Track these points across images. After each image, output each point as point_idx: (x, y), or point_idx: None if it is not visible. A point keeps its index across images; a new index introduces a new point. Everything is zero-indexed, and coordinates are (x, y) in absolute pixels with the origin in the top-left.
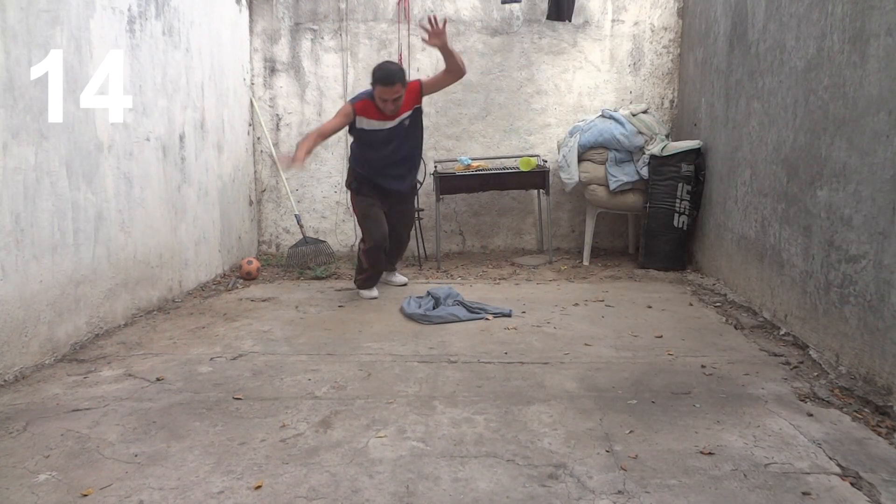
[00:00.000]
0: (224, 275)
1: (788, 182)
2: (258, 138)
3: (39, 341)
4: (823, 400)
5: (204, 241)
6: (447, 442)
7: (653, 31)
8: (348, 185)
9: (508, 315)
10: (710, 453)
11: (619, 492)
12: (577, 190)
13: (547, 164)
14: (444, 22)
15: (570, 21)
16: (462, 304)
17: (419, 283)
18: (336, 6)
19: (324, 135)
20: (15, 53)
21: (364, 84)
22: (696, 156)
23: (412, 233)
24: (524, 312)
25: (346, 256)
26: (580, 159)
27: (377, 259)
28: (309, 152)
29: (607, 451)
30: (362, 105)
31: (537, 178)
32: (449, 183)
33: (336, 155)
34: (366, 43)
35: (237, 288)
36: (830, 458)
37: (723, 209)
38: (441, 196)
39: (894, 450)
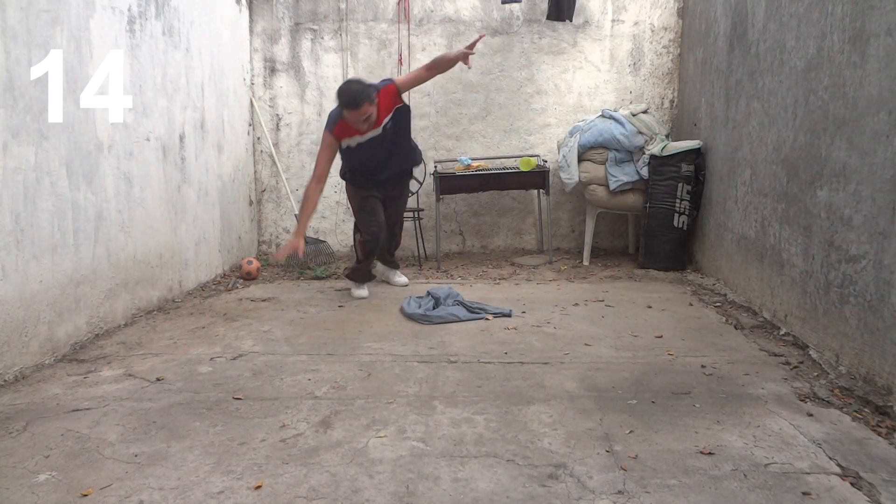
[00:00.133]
0: (224, 275)
1: (788, 182)
2: (258, 138)
3: (39, 341)
4: (823, 400)
5: (204, 241)
6: (447, 442)
7: (653, 31)
8: (342, 175)
9: (508, 315)
10: (710, 453)
11: (619, 492)
12: (577, 190)
13: (547, 164)
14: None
15: (570, 21)
16: (462, 304)
17: (419, 283)
18: (336, 6)
19: (320, 184)
20: (15, 53)
21: None
22: (696, 156)
23: (415, 233)
24: (524, 312)
25: (346, 256)
26: (580, 159)
27: (372, 251)
28: (305, 228)
29: (607, 451)
30: (340, 128)
31: (537, 178)
32: (449, 183)
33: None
34: (366, 43)
35: (237, 288)
36: (830, 458)
37: (723, 209)
38: (441, 196)
39: (894, 450)
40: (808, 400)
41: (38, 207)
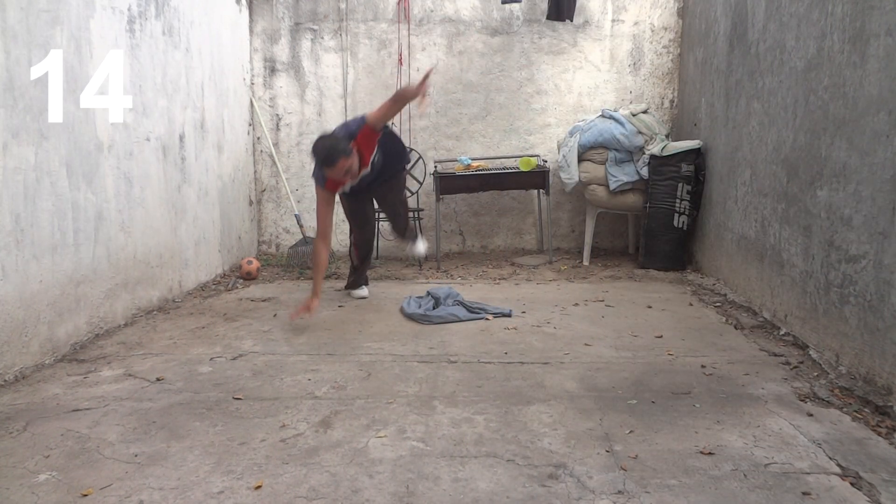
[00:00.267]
0: (224, 275)
1: (788, 182)
2: (258, 138)
3: (39, 341)
4: (823, 400)
5: (204, 241)
6: (447, 442)
7: (653, 31)
8: None
9: (508, 315)
10: (710, 453)
11: (619, 492)
12: (577, 190)
13: (547, 164)
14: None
15: (570, 21)
16: (462, 304)
17: (419, 283)
18: (336, 6)
19: (326, 240)
20: (15, 53)
21: (364, 84)
22: (696, 156)
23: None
24: (524, 312)
25: (345, 256)
26: (580, 159)
27: (367, 254)
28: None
29: (607, 451)
30: (332, 182)
31: (537, 178)
32: (449, 183)
33: None
34: (366, 43)
35: (237, 288)
36: (830, 458)
37: (723, 209)
38: (441, 196)
39: (894, 450)
40: (808, 400)
41: (38, 207)
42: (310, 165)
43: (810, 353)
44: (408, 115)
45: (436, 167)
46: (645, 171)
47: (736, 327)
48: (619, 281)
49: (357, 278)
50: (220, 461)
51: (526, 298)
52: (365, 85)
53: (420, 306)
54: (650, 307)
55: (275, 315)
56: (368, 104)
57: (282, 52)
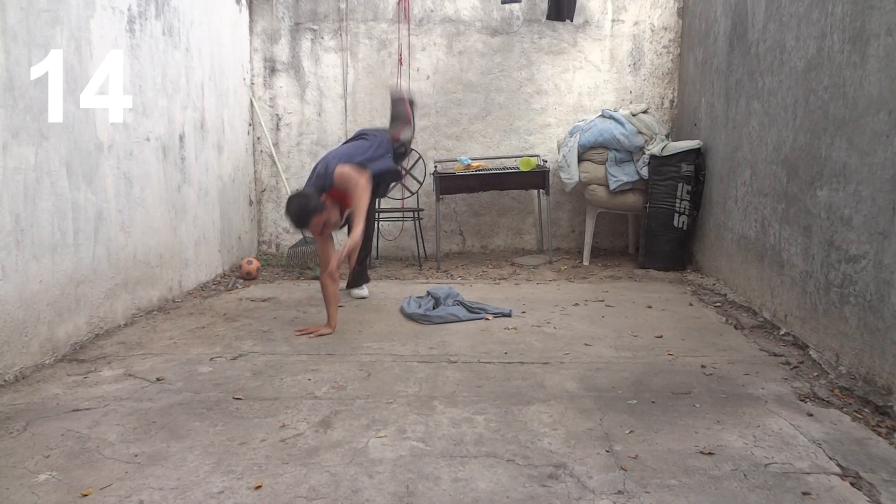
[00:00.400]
0: (224, 275)
1: (788, 182)
2: (258, 138)
3: (39, 341)
4: (823, 400)
5: (204, 241)
6: (447, 442)
7: (653, 31)
8: None
9: (508, 315)
10: (710, 453)
11: (619, 492)
12: (577, 190)
13: (547, 164)
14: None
15: (570, 21)
16: (462, 304)
17: (419, 283)
18: (336, 6)
19: (333, 275)
20: (15, 53)
21: (364, 84)
22: (696, 156)
23: (415, 233)
24: (524, 312)
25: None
26: (580, 159)
27: (367, 253)
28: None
29: (607, 451)
30: (316, 229)
31: (537, 178)
32: (449, 183)
33: None
34: (366, 43)
35: (237, 288)
36: (830, 458)
37: (723, 209)
38: (441, 196)
39: (894, 450)
40: (808, 400)
41: (38, 207)
42: (310, 165)
43: (810, 353)
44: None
45: (436, 167)
46: (645, 171)
47: (736, 327)
48: (619, 281)
49: (357, 278)
50: (220, 461)
51: (526, 298)
52: (365, 85)
53: (420, 306)
54: (650, 307)
55: (275, 317)
56: (368, 104)
57: (282, 52)
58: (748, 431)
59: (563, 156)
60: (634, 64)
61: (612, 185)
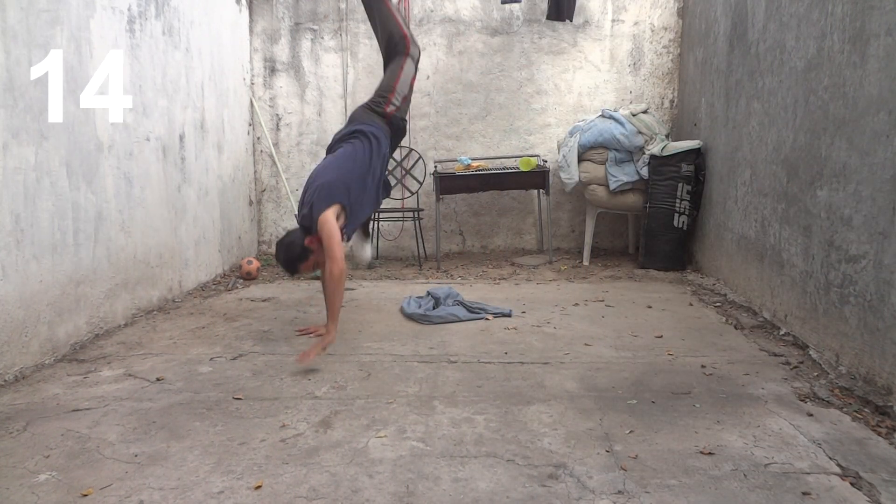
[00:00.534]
0: (224, 275)
1: (788, 182)
2: (258, 138)
3: (39, 341)
4: (823, 400)
5: (204, 241)
6: (447, 442)
7: (653, 31)
8: None
9: (508, 315)
10: (710, 453)
11: (619, 492)
12: (577, 190)
13: (547, 164)
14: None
15: (570, 21)
16: (462, 304)
17: (419, 283)
18: (336, 6)
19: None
20: (15, 53)
21: (364, 84)
22: (696, 156)
23: (415, 233)
24: (524, 312)
25: (346, 256)
26: (580, 159)
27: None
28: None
29: (607, 451)
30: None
31: (537, 178)
32: (449, 183)
33: None
34: (366, 43)
35: (237, 288)
36: (830, 458)
37: (723, 209)
38: (441, 196)
39: (894, 450)
40: (808, 400)
41: (38, 207)
42: (310, 165)
43: (810, 353)
44: (408, 114)
45: (436, 167)
46: (645, 171)
47: (736, 327)
48: (619, 281)
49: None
50: (220, 461)
51: (526, 298)
52: (365, 85)
53: (420, 306)
54: (650, 307)
55: (275, 317)
56: None
57: (282, 52)
58: (748, 431)
59: (563, 156)
60: (634, 64)
61: (612, 185)
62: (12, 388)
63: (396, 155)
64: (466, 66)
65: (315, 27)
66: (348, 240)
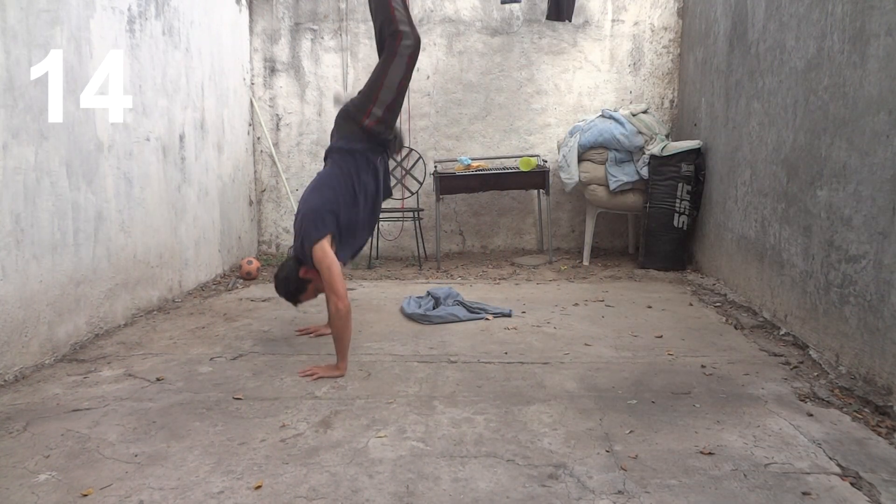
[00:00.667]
0: (224, 275)
1: (788, 182)
2: (258, 138)
3: (39, 341)
4: (823, 400)
5: (204, 241)
6: (447, 442)
7: (653, 31)
8: None
9: (508, 315)
10: (710, 453)
11: (619, 492)
12: (577, 190)
13: (547, 164)
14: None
15: (570, 21)
16: (462, 304)
17: (419, 283)
18: (336, 6)
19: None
20: (15, 53)
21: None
22: (696, 156)
23: (415, 233)
24: (524, 312)
25: None
26: (580, 159)
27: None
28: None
29: (607, 451)
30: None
31: (537, 178)
32: (449, 183)
33: None
34: (366, 43)
35: (237, 288)
36: (830, 458)
37: (723, 209)
38: (441, 196)
39: (894, 450)
40: (808, 400)
41: (38, 207)
42: (310, 165)
43: (810, 353)
44: (408, 114)
45: (436, 167)
46: (645, 171)
47: (736, 327)
48: (619, 281)
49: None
50: (220, 461)
51: (526, 298)
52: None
53: (420, 306)
54: (650, 307)
55: (275, 317)
56: None
57: (282, 52)
58: (748, 431)
59: (563, 156)
60: (634, 64)
61: (612, 185)
62: (12, 388)
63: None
64: (466, 66)
65: (315, 27)
66: (345, 265)
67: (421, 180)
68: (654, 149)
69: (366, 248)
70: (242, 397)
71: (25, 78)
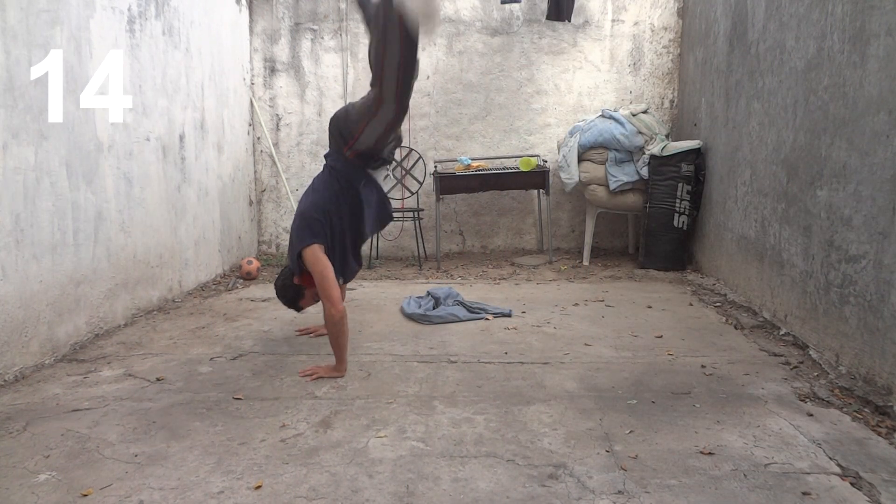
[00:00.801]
0: (224, 275)
1: (788, 182)
2: (258, 138)
3: (39, 341)
4: (823, 400)
5: (204, 241)
6: (447, 442)
7: (653, 31)
8: None
9: (508, 315)
10: (710, 453)
11: (619, 492)
12: (577, 190)
13: (547, 164)
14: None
15: (569, 21)
16: (462, 304)
17: (419, 283)
18: (336, 6)
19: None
20: (15, 53)
21: (364, 84)
22: (696, 156)
23: (415, 233)
24: (524, 312)
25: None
26: (580, 159)
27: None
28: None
29: (607, 451)
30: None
31: (537, 178)
32: (449, 183)
33: None
34: (366, 43)
35: (237, 288)
36: (830, 458)
37: (723, 209)
38: (441, 196)
39: (894, 450)
40: (808, 400)
41: (38, 207)
42: (309, 165)
43: (810, 353)
44: (408, 114)
45: (436, 167)
46: (645, 171)
47: (736, 327)
48: (619, 281)
49: None
50: (220, 461)
51: (526, 298)
52: (365, 85)
53: (420, 306)
54: (650, 307)
55: (275, 317)
56: None
57: (282, 52)
58: (748, 431)
59: (563, 156)
60: (634, 64)
61: (612, 185)
62: (12, 388)
63: (396, 155)
64: (466, 66)
65: (315, 27)
66: (343, 282)
67: (421, 180)
68: (654, 149)
69: (366, 248)
70: (242, 397)
71: (25, 78)
